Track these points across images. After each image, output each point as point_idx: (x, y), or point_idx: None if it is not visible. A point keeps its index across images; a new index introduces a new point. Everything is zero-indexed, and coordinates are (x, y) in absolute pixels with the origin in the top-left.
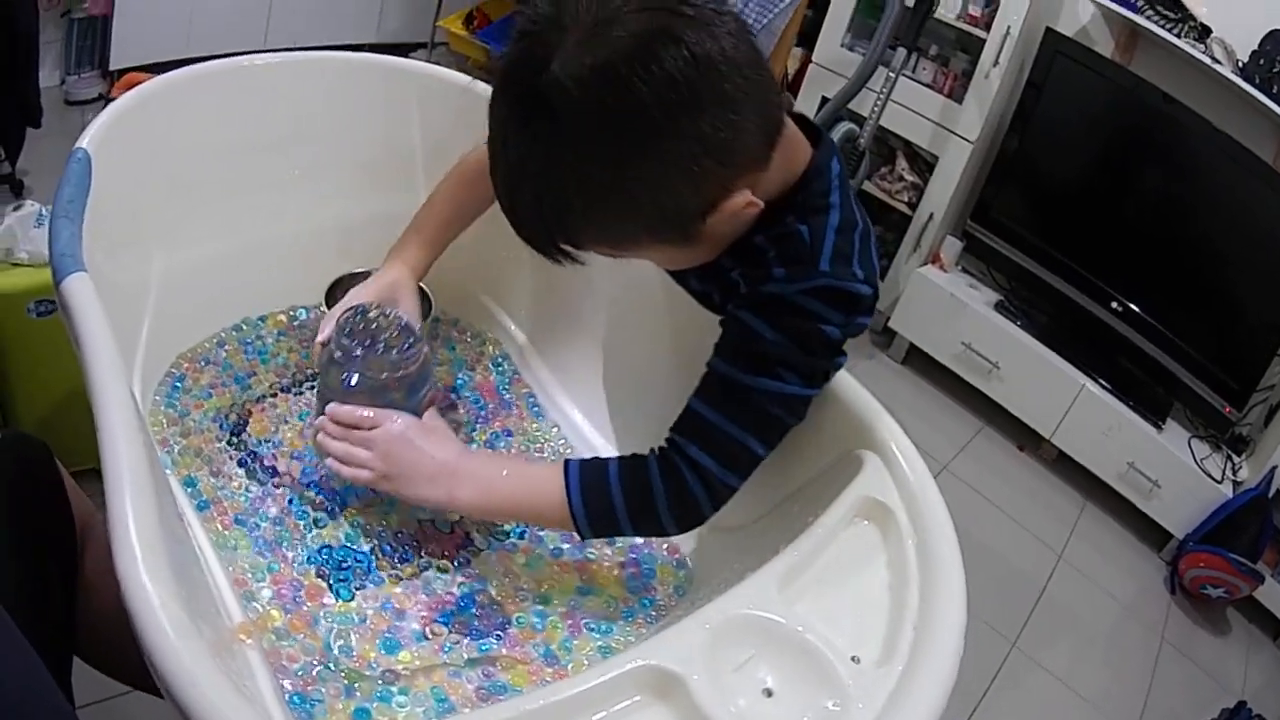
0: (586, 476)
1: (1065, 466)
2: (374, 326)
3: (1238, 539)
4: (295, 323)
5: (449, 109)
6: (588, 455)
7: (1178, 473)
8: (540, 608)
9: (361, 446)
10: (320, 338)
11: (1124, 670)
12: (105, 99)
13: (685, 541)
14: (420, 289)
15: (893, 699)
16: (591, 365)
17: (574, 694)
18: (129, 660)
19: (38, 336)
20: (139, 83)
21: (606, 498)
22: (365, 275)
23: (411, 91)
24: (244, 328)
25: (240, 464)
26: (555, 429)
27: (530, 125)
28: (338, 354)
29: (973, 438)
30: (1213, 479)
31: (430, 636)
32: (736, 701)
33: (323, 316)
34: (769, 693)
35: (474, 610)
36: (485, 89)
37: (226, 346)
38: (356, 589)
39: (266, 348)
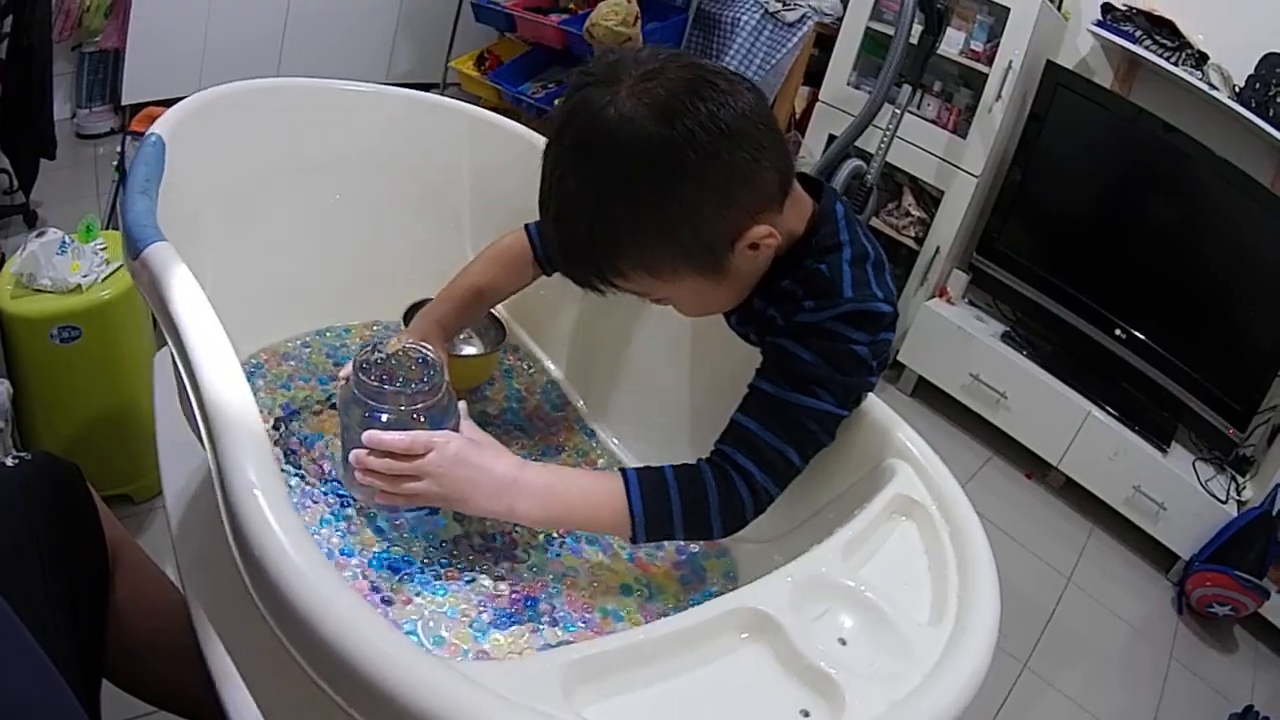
0: (646, 483)
1: (1072, 492)
2: (392, 363)
3: (1243, 557)
4: (377, 338)
5: (497, 152)
6: None
7: (1183, 495)
8: (622, 597)
9: (413, 473)
10: (343, 373)
11: (1134, 689)
12: (119, 133)
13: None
14: (493, 316)
15: (948, 650)
16: (627, 399)
17: (683, 627)
18: (156, 681)
19: (60, 362)
20: (158, 116)
21: (665, 502)
22: None
23: (464, 132)
24: (328, 334)
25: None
26: (604, 448)
27: (589, 160)
28: (357, 391)
29: (981, 467)
30: (1217, 500)
31: (520, 622)
32: (818, 646)
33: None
34: (843, 641)
35: (563, 597)
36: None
37: (309, 348)
38: (438, 584)
39: (350, 355)
